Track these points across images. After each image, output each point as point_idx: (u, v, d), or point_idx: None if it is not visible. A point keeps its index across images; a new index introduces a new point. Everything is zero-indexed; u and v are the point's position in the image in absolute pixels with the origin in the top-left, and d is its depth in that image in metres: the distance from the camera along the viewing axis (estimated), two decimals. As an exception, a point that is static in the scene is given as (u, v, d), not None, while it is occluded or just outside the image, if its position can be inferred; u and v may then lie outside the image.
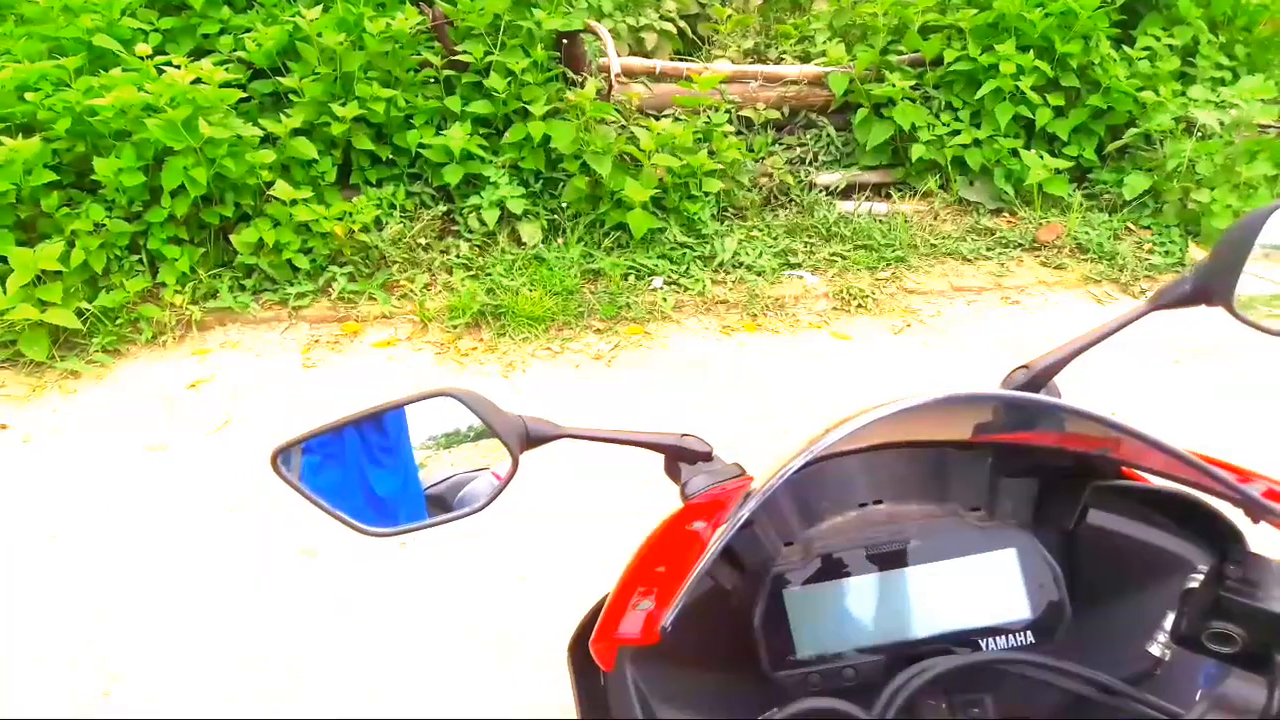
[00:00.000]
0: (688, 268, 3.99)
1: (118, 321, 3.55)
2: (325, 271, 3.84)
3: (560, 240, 4.03)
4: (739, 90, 4.65)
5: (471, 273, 3.87)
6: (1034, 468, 0.92)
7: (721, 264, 4.02)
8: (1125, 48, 4.65)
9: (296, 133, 3.88)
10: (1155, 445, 0.69)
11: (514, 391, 3.34)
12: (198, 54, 4.05)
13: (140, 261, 3.70)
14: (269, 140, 3.86)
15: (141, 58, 3.68)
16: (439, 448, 0.99)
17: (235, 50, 4.10)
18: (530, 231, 3.99)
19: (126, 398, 3.32)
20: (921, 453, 0.96)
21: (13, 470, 2.99)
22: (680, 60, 4.99)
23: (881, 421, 0.74)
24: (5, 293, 3.36)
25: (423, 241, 3.97)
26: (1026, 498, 0.91)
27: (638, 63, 4.59)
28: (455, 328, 3.64)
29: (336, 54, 3.95)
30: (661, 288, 3.90)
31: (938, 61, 4.60)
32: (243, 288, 3.78)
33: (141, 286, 3.62)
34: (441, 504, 0.99)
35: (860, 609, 0.87)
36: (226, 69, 3.80)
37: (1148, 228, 4.25)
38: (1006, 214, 4.45)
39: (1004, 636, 0.85)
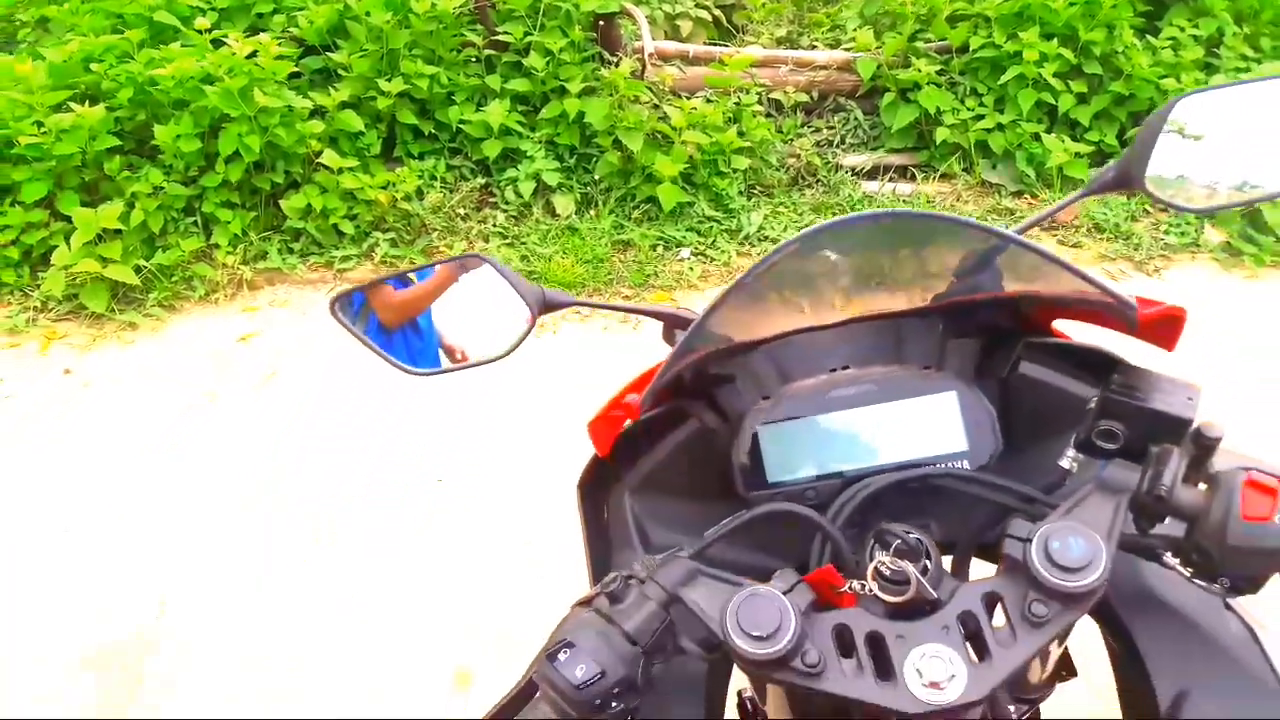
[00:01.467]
0: (714, 240, 4.14)
1: (173, 279, 3.77)
2: (369, 237, 4.03)
3: (592, 212, 4.20)
4: (770, 74, 4.79)
5: (507, 241, 4.05)
6: (977, 329, 1.06)
7: (747, 237, 4.17)
8: (1150, 37, 4.74)
9: (344, 106, 4.07)
10: (1036, 251, 0.84)
11: (546, 350, 3.51)
12: (252, 32, 4.25)
13: (195, 223, 3.91)
14: (318, 113, 4.06)
15: (200, 32, 3.90)
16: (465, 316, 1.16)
17: (287, 28, 4.31)
18: (564, 203, 4.16)
19: (180, 349, 3.53)
20: (884, 324, 1.10)
21: (75, 410, 3.21)
22: (714, 46, 5.14)
23: (812, 242, 0.89)
24: (69, 249, 3.58)
25: (461, 211, 4.15)
26: (970, 355, 1.05)
27: (671, 46, 4.75)
28: (491, 291, 3.81)
29: (384, 32, 4.13)
30: (689, 258, 4.05)
31: (964, 49, 4.72)
32: (291, 250, 3.98)
33: (196, 247, 3.83)
34: None
35: (822, 442, 1.02)
36: (279, 45, 4.01)
37: (1165, 210, 4.35)
38: (1028, 196, 4.55)
39: (945, 465, 1.00)
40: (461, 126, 4.25)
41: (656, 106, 4.37)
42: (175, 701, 2.23)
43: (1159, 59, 4.65)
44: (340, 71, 4.19)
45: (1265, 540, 0.77)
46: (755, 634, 0.75)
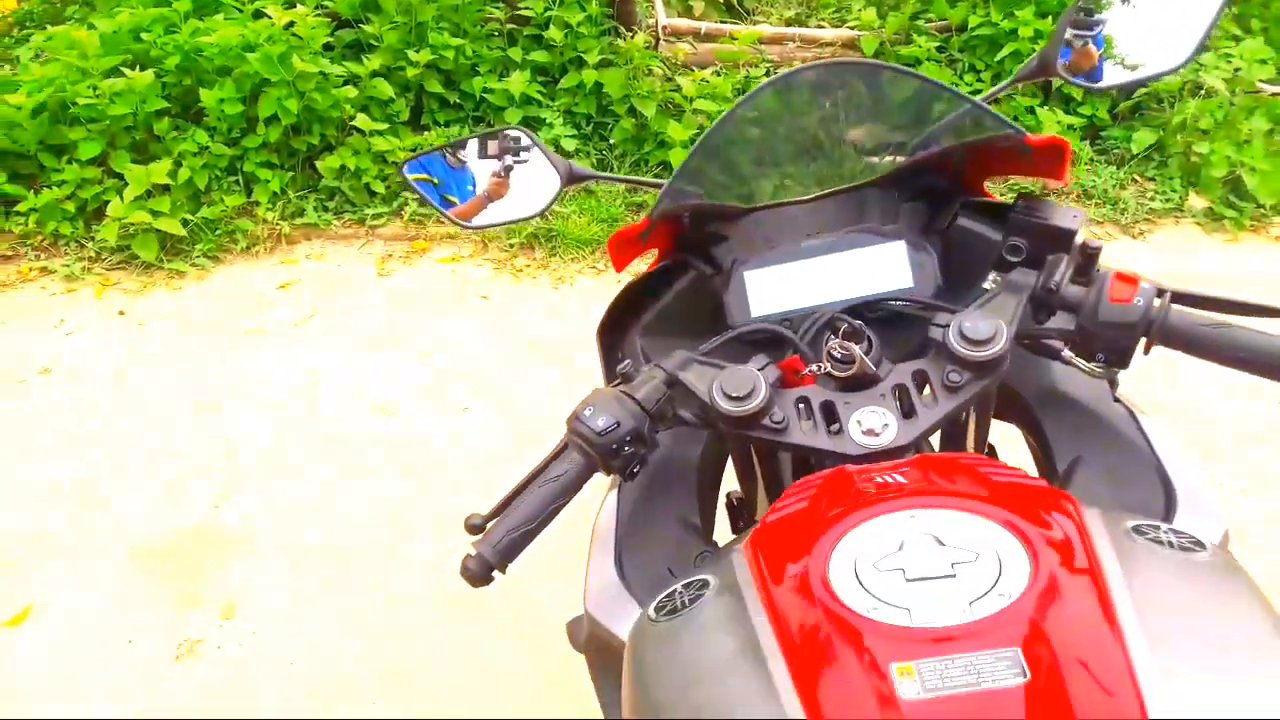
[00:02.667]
0: (723, 202, 4.39)
1: (217, 232, 4.03)
2: (398, 197, 4.28)
3: (608, 176, 4.45)
4: (777, 51, 5.03)
5: (528, 202, 4.30)
6: (924, 193, 1.31)
7: (753, 200, 4.41)
8: (1142, 17, 4.96)
9: (375, 75, 4.33)
10: (934, 85, 1.10)
11: (563, 300, 3.77)
12: (289, 5, 4.50)
13: (237, 182, 4.18)
14: (351, 82, 4.32)
15: (240, 6, 4.18)
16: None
17: (322, 3, 4.57)
18: (582, 166, 4.41)
19: (225, 294, 3.80)
20: (851, 194, 1.35)
21: (130, 342, 3.49)
22: (724, 24, 5.38)
23: (759, 97, 1.14)
24: (122, 202, 3.85)
25: (485, 175, 4.40)
26: (918, 214, 1.30)
27: (684, 23, 5.01)
28: (511, 247, 4.06)
29: (412, 6, 4.39)
30: (698, 219, 4.30)
31: (963, 27, 4.95)
32: (326, 208, 4.24)
33: (238, 203, 4.09)
34: None
35: (796, 283, 1.26)
36: (314, 17, 4.27)
37: (1152, 179, 4.56)
38: (1022, 165, 4.78)
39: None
40: (485, 95, 4.51)
41: (669, 79, 4.62)
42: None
43: (1150, 37, 4.86)
44: (371, 43, 4.45)
45: (1126, 316, 1.01)
46: (733, 395, 1.00)
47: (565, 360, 3.31)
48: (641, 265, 1.39)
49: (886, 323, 1.22)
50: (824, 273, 1.27)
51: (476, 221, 1.39)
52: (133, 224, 3.85)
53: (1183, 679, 0.64)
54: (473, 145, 1.40)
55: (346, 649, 2.33)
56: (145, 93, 4.00)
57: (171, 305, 3.73)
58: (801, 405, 1.03)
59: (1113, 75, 1.30)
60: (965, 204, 1.28)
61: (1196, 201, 4.36)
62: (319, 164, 4.22)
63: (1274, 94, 4.42)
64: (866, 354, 1.05)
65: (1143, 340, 1.03)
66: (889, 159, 1.32)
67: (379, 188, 4.25)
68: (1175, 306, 1.02)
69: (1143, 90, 4.71)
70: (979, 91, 4.77)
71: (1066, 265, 1.07)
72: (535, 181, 1.38)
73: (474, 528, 1.04)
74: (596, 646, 1.09)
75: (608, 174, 1.46)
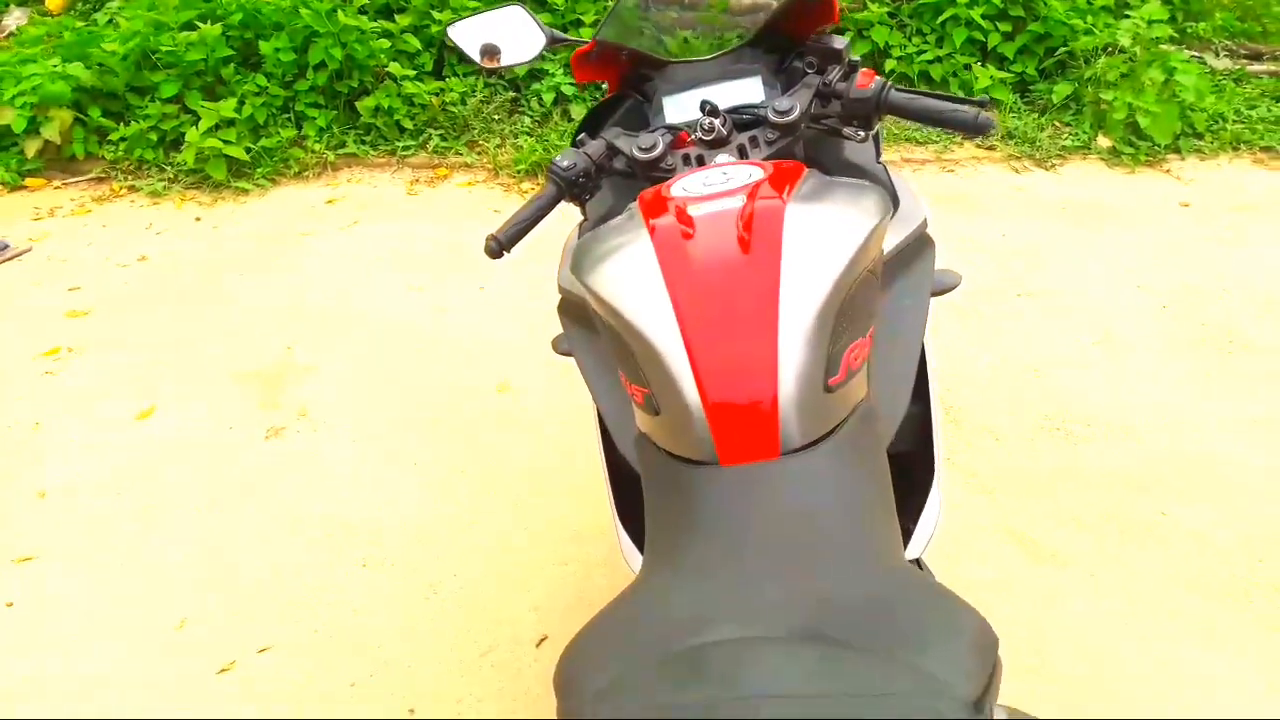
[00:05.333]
0: (699, 141, 5.17)
1: (274, 159, 4.83)
2: (423, 132, 5.08)
3: (601, 118, 5.22)
4: (751, 17, 5.79)
5: (534, 138, 5.08)
6: (774, 47, 2.08)
7: (725, 139, 5.18)
8: (1068, -13, 5.73)
9: (404, 30, 5.12)
10: None
11: (559, 214, 4.53)
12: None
13: (289, 118, 4.98)
14: (385, 35, 5.10)
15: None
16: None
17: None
18: (578, 110, 5.20)
19: (282, 206, 4.60)
20: (732, 54, 2.12)
21: (209, 240, 4.29)
22: (706, -5, 6.15)
23: None
24: (197, 132, 4.65)
25: (496, 117, 5.19)
26: (771, 60, 2.08)
27: (670, -8, 5.78)
28: (519, 173, 4.85)
29: (436, -27, 5.20)
30: (677, 153, 5.07)
31: (912, -3, 5.73)
32: (364, 141, 5.04)
33: (290, 136, 4.89)
34: None
35: (693, 103, 2.03)
36: (354, -18, 5.08)
37: (1069, 124, 5.33)
38: (958, 114, 5.54)
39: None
40: (497, 51, 5.29)
41: (655, 37, 5.39)
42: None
43: (1074, 4, 5.63)
44: (402, 5, 5.24)
45: (865, 95, 1.78)
46: (643, 148, 1.77)
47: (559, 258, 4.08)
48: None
49: (750, 125, 1.99)
50: (710, 96, 2.04)
51: (491, 66, 2.16)
52: (206, 150, 4.65)
53: (804, 203, 1.41)
54: (489, 15, 2.16)
55: (394, 433, 3.11)
56: (214, 43, 4.80)
57: (239, 214, 4.53)
58: (685, 157, 1.80)
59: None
60: (798, 52, 2.06)
61: (1103, 141, 5.11)
62: (358, 104, 5.02)
63: (1166, 48, 5.17)
64: (722, 126, 1.82)
65: (876, 112, 1.79)
66: (748, 27, 2.10)
67: (408, 124, 5.05)
68: (895, 91, 1.79)
69: (1064, 49, 5.48)
70: (924, 53, 5.55)
71: (838, 71, 1.83)
72: (528, 41, 2.14)
73: (489, 235, 1.80)
74: (568, 307, 1.85)
75: (575, 38, 2.25)
